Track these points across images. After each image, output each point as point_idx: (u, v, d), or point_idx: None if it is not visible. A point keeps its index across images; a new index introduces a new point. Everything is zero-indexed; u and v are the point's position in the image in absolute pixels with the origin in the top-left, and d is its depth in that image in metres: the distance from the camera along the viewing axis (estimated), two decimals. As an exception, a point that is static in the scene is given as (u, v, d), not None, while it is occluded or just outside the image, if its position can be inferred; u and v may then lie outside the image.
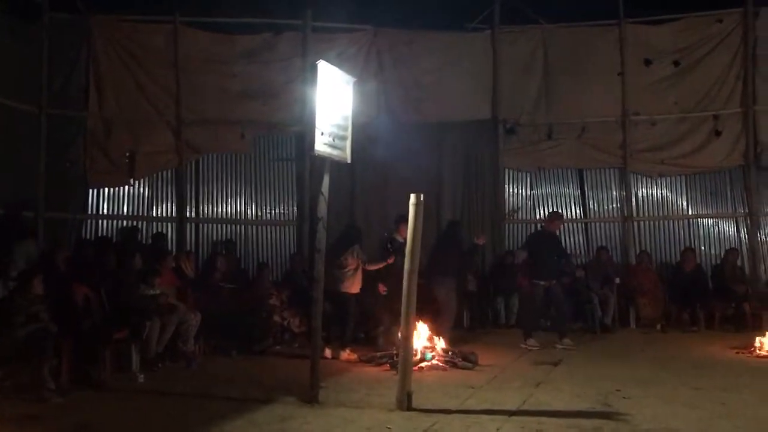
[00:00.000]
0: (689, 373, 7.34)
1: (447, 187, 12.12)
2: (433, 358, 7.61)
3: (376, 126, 11.37)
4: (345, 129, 6.11)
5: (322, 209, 6.00)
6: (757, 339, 8.56)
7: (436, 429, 5.11)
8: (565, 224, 12.31)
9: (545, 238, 9.47)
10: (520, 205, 12.40)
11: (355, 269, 8.39)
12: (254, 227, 12.08)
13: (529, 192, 12.49)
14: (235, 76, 11.74)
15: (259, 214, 12.09)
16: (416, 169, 11.30)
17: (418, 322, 7.63)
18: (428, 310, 7.99)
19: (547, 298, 9.28)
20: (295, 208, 12.12)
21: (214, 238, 11.83)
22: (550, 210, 12.11)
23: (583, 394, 6.32)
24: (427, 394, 6.07)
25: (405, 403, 5.65)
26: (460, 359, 7.64)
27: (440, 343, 7.86)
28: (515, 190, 12.46)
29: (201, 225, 11.86)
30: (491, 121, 12.11)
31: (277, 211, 12.21)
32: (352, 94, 6.21)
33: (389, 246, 8.63)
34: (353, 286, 8.41)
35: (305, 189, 11.85)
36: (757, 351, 8.42)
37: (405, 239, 8.87)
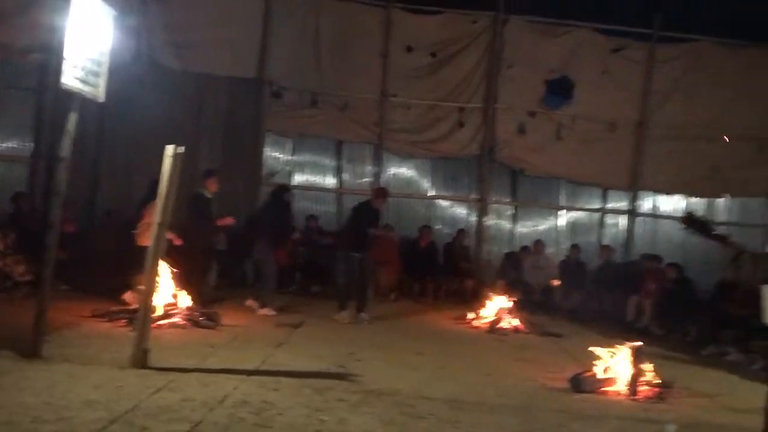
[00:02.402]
0: (415, 340, 8.05)
1: (205, 141, 11.73)
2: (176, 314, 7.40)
3: (135, 67, 10.61)
4: (100, 65, 5.61)
5: (66, 149, 5.47)
6: (474, 312, 9.66)
7: (171, 387, 4.98)
8: (320, 193, 12.72)
9: (371, 211, 9.16)
10: (278, 169, 12.47)
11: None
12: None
13: (288, 157, 12.61)
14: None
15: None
16: (174, 119, 10.82)
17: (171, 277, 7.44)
18: (178, 266, 7.72)
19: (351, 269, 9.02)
20: (32, 144, 10.88)
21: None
22: (307, 177, 12.42)
23: (320, 355, 6.61)
24: (164, 352, 5.87)
25: (140, 360, 5.42)
26: (203, 318, 7.53)
27: (184, 301, 7.65)
28: (275, 154, 12.49)
29: None
30: (257, 82, 11.96)
31: (9, 145, 10.87)
32: (111, 29, 5.71)
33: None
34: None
35: (45, 124, 10.68)
36: (473, 322, 9.50)
37: (213, 194, 8.68)
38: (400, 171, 13.03)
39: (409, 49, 12.47)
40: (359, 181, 12.84)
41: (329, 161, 12.82)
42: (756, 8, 11.35)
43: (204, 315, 7.59)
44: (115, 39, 5.80)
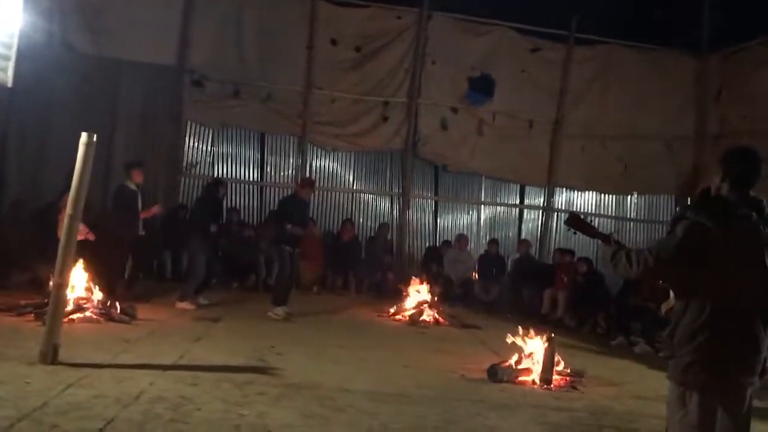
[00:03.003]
0: (337, 333, 8.07)
1: (121, 130, 11.36)
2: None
3: (47, 51, 10.13)
4: (9, 48, 5.35)
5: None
6: (396, 305, 9.77)
7: (83, 384, 4.81)
8: (242, 186, 12.54)
9: (299, 203, 8.94)
10: (199, 160, 12.21)
11: None
12: None
13: (210, 148, 12.37)
14: None
15: None
16: (88, 106, 10.47)
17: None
18: (95, 260, 7.47)
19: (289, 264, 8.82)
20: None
21: None
22: (231, 168, 12.24)
23: (240, 350, 6.53)
24: (76, 347, 5.67)
25: (50, 356, 5.21)
26: (118, 312, 7.30)
27: (97, 295, 7.40)
28: (196, 144, 12.23)
29: None
30: (177, 69, 11.66)
31: None
32: (21, 10, 5.45)
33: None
34: None
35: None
36: (395, 315, 9.61)
37: (138, 185, 8.43)
38: (324, 164, 13.00)
39: (334, 42, 12.44)
40: (282, 173, 12.74)
41: (252, 153, 12.66)
42: (661, 13, 11.99)
43: (119, 309, 7.36)
44: (26, 21, 5.54)
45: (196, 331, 7.23)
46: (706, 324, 3.01)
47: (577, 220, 3.61)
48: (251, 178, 12.62)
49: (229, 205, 11.97)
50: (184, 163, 11.97)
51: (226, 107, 12.03)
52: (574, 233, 3.37)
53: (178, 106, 11.73)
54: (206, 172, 12.20)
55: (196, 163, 12.11)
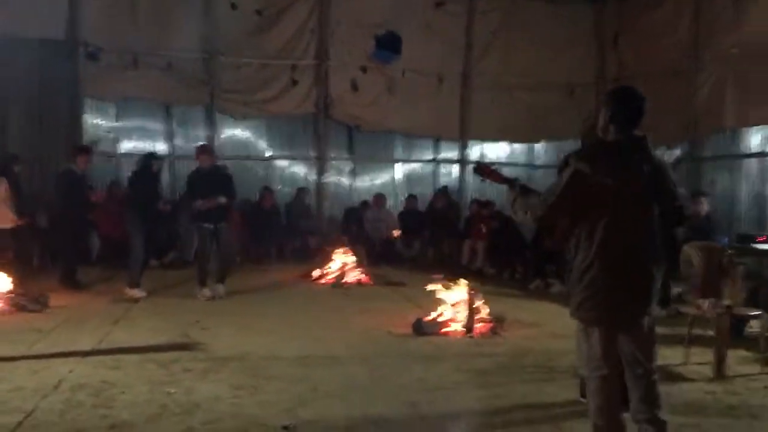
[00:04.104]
0: (262, 302, 8.04)
1: (15, 110, 10.74)
2: None
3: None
4: None
5: None
6: (319, 269, 9.79)
7: (-4, 379, 4.64)
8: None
9: (201, 175, 8.35)
10: (101, 136, 11.69)
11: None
12: None
13: (112, 124, 11.86)
14: None
15: None
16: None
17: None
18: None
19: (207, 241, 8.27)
20: None
21: None
22: (137, 142, 11.83)
23: (162, 328, 6.42)
24: (-14, 342, 5.44)
25: (-43, 354, 4.98)
26: (29, 301, 7.01)
27: (6, 285, 7.07)
28: (96, 121, 11.69)
29: None
30: (69, 43, 11.05)
31: None
32: None
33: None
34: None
35: None
36: (319, 279, 9.64)
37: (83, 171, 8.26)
38: (235, 133, 12.71)
39: (234, 6, 12.02)
40: (193, 145, 12.34)
41: (158, 126, 12.23)
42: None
43: (30, 297, 7.06)
44: None
45: (114, 313, 7.04)
46: (592, 262, 3.19)
47: (483, 169, 3.69)
48: (160, 152, 12.19)
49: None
50: (86, 141, 11.42)
51: (125, 79, 11.47)
52: (483, 181, 3.47)
53: (74, 81, 11.13)
54: (111, 149, 11.72)
55: (98, 140, 11.55)
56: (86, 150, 8.81)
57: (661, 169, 3.31)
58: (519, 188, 3.40)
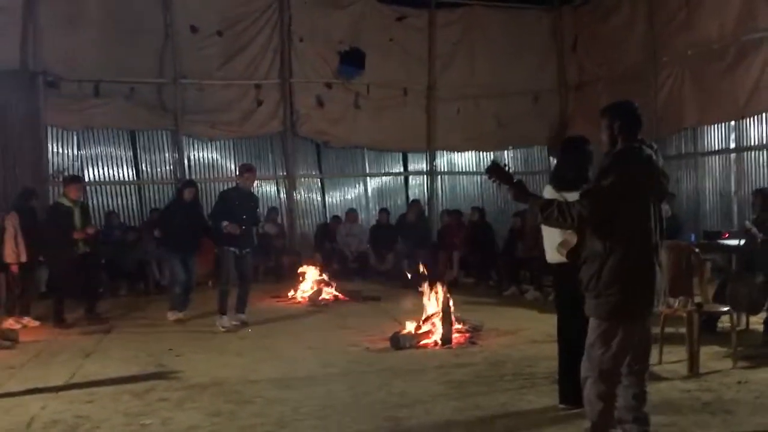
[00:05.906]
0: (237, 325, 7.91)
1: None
2: None
3: None
4: None
5: None
6: (293, 288, 9.73)
7: (-35, 421, 4.51)
8: (118, 187, 12.00)
9: (240, 196, 7.94)
10: (66, 166, 11.51)
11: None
12: None
13: (76, 152, 11.71)
14: None
15: None
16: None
17: None
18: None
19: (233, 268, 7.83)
20: None
21: None
22: (103, 170, 11.68)
23: (135, 358, 6.30)
24: (-47, 383, 5.29)
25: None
26: (-2, 339, 6.85)
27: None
28: (60, 150, 11.53)
29: None
30: (28, 72, 10.90)
31: None
32: None
33: None
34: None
35: None
36: (294, 298, 9.58)
37: (75, 202, 8.03)
38: (203, 155, 12.62)
39: (194, 29, 11.97)
40: (159, 170, 12.26)
41: (124, 152, 12.09)
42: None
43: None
44: None
45: (85, 346, 6.89)
46: (630, 263, 3.41)
47: (497, 169, 3.63)
48: (127, 178, 12.07)
49: (106, 208, 11.49)
50: (50, 171, 11.26)
51: (87, 108, 11.39)
52: (494, 181, 3.42)
53: (35, 112, 10.96)
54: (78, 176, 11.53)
55: (63, 170, 11.36)
56: (76, 179, 8.65)
57: (662, 170, 3.63)
58: (532, 194, 3.63)
